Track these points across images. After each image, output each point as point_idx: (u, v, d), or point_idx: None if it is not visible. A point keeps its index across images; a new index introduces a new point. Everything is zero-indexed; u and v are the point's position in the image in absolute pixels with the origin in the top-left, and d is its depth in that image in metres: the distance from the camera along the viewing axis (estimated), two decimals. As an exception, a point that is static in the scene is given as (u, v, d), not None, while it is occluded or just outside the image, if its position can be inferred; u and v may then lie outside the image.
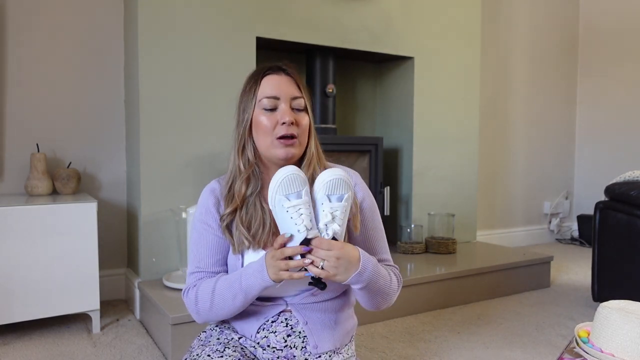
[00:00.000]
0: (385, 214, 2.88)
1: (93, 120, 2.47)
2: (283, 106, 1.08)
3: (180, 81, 2.27)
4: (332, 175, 0.98)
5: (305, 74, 2.83)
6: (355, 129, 3.18)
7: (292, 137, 1.07)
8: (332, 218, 0.96)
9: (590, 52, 4.22)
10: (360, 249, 0.99)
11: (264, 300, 1.11)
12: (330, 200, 0.97)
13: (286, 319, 1.11)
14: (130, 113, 2.42)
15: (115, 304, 2.43)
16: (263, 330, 1.10)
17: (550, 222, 4.19)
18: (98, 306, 2.04)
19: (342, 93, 3.03)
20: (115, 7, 2.49)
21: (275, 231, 1.11)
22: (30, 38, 2.33)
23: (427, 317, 2.31)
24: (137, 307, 2.25)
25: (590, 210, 3.97)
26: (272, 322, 1.10)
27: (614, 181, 2.43)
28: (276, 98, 1.08)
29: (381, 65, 3.21)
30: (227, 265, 1.14)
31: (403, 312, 2.32)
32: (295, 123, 1.08)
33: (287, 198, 0.96)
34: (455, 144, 3.19)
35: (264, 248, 1.11)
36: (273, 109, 1.08)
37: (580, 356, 1.17)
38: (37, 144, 2.30)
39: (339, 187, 0.98)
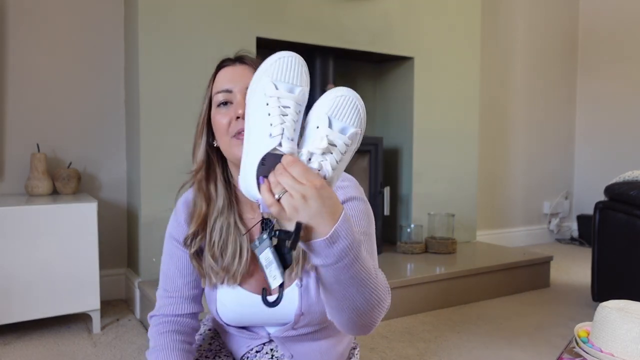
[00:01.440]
0: (385, 214, 2.88)
1: (93, 120, 2.47)
2: (238, 98, 0.92)
3: (181, 81, 2.27)
4: (344, 92, 0.71)
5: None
6: (355, 129, 3.18)
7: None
8: (326, 147, 0.67)
9: (590, 52, 4.22)
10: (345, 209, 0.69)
11: (243, 328, 1.03)
12: (331, 125, 0.69)
13: (272, 349, 1.03)
14: (130, 113, 2.42)
15: (115, 304, 2.44)
16: (247, 359, 1.03)
17: (550, 222, 4.19)
18: (98, 306, 2.04)
19: (342, 93, 3.03)
20: (116, 7, 2.49)
21: (255, 261, 0.93)
22: (31, 38, 2.33)
23: (427, 317, 2.31)
24: (138, 307, 2.25)
25: (590, 210, 3.97)
26: (257, 351, 1.02)
27: (613, 181, 2.43)
28: (229, 91, 0.94)
29: (381, 65, 3.21)
30: (200, 288, 1.02)
31: (403, 312, 2.32)
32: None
33: (274, 85, 0.70)
34: (455, 143, 3.19)
35: (241, 284, 0.97)
36: (227, 103, 0.94)
37: (580, 356, 1.17)
38: (37, 144, 2.30)
39: (349, 110, 0.70)
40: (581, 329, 1.25)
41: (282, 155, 0.66)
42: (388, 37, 2.85)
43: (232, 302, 0.97)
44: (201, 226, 0.96)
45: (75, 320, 2.19)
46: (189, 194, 1.02)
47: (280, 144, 0.66)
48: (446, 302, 2.46)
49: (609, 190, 2.38)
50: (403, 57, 3.00)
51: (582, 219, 4.09)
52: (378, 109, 3.26)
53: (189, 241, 0.96)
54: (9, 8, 2.28)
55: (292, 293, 0.94)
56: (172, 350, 0.95)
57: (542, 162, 4.14)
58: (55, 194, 2.29)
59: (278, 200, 0.63)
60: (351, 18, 2.71)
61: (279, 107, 0.69)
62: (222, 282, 0.95)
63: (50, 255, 1.93)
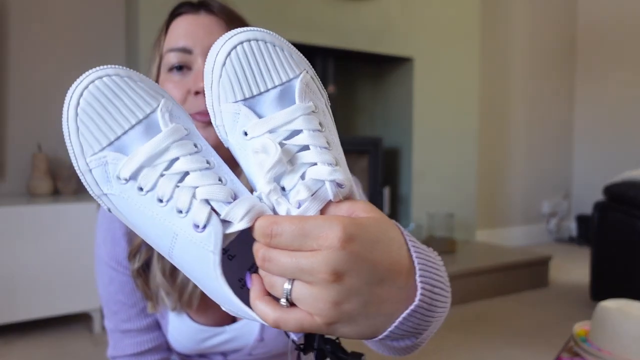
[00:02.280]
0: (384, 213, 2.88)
1: (94, 121, 2.47)
2: (199, 64, 0.67)
3: (181, 81, 2.27)
4: (228, 46, 0.40)
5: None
6: (355, 129, 3.19)
7: (208, 122, 0.65)
8: (279, 158, 0.36)
9: (589, 51, 4.23)
10: (400, 227, 0.41)
11: (199, 356, 0.85)
12: (257, 111, 0.39)
13: None
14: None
15: (116, 304, 2.44)
16: None
17: (548, 221, 4.20)
18: (99, 306, 2.05)
19: (342, 93, 3.04)
20: (116, 7, 2.49)
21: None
22: (32, 38, 2.33)
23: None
24: (138, 307, 2.26)
25: (589, 210, 3.98)
26: None
27: (613, 181, 2.44)
28: (187, 51, 0.68)
29: (381, 66, 3.22)
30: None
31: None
32: None
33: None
34: (455, 143, 3.20)
35: (193, 315, 0.77)
36: (182, 67, 0.68)
37: (579, 355, 1.18)
38: (38, 144, 2.30)
39: (262, 65, 0.40)
40: (580, 328, 1.26)
41: (240, 231, 0.36)
42: (388, 38, 2.86)
43: (185, 337, 0.79)
44: None
45: (76, 320, 2.20)
46: None
47: (209, 219, 0.36)
48: (446, 301, 2.46)
49: (608, 190, 2.38)
50: (403, 58, 3.01)
51: (581, 219, 4.09)
52: (378, 109, 3.26)
53: (135, 253, 0.73)
54: (11, 8, 2.28)
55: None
56: None
57: (541, 162, 4.15)
58: (56, 194, 2.29)
59: (287, 300, 0.35)
60: (351, 19, 2.72)
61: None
62: (174, 308, 0.74)
63: (51, 254, 1.94)
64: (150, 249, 0.75)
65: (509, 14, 3.84)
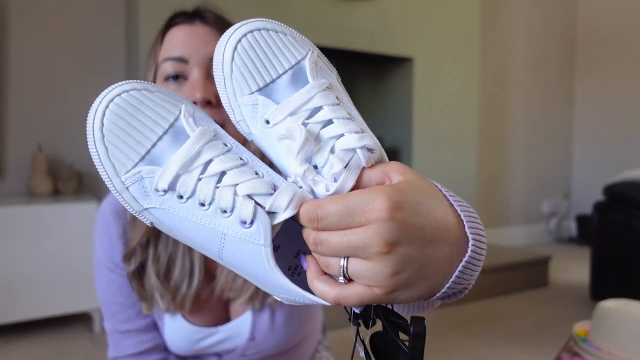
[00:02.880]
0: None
1: (94, 120, 2.47)
2: (194, 74, 0.68)
3: (181, 81, 2.27)
4: (237, 34, 0.41)
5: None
6: (355, 129, 3.19)
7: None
8: (305, 138, 0.37)
9: (588, 51, 4.23)
10: (437, 184, 0.40)
11: (194, 357, 0.86)
12: (273, 97, 0.40)
13: None
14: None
15: (116, 303, 2.44)
16: None
17: (548, 221, 4.20)
18: (99, 305, 2.05)
19: (342, 93, 3.04)
20: (117, 6, 2.50)
21: (207, 286, 0.76)
22: (32, 38, 2.33)
23: (427, 316, 2.31)
24: (138, 307, 2.26)
25: (588, 210, 3.98)
26: None
27: (612, 181, 2.44)
28: (182, 60, 0.69)
29: (381, 66, 3.22)
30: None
31: (403, 311, 2.32)
32: (215, 102, 0.68)
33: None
34: (455, 143, 3.20)
35: (186, 315, 0.77)
36: (178, 77, 0.69)
37: (578, 355, 1.18)
38: (38, 144, 2.30)
39: (270, 53, 0.41)
40: (579, 328, 1.26)
41: (288, 219, 0.37)
42: (387, 38, 2.86)
43: (180, 338, 0.80)
44: (146, 235, 0.73)
45: (76, 320, 2.20)
46: (115, 199, 0.71)
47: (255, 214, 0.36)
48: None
49: (608, 190, 2.38)
50: (402, 58, 3.01)
51: (581, 219, 4.10)
52: (378, 109, 3.26)
53: (131, 255, 0.74)
54: (11, 8, 2.29)
55: (245, 317, 0.80)
56: None
57: (541, 162, 4.15)
58: (56, 193, 2.29)
59: (345, 277, 0.35)
60: (351, 19, 2.72)
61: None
62: (168, 310, 0.75)
63: (51, 254, 1.94)
64: (145, 251, 0.75)
65: (509, 14, 3.85)
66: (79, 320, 2.19)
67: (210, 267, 0.80)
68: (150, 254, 0.74)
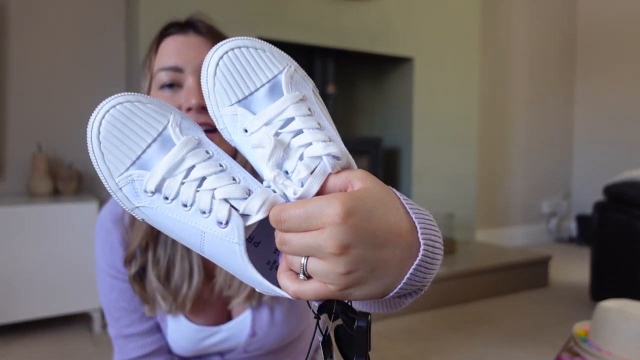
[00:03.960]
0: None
1: (94, 121, 2.47)
2: (189, 82, 0.71)
3: (181, 81, 2.27)
4: (220, 51, 0.45)
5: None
6: (355, 129, 3.19)
7: (206, 131, 0.62)
8: (274, 144, 0.40)
9: (588, 51, 4.23)
10: (395, 191, 0.42)
11: (197, 357, 0.88)
12: (251, 108, 0.44)
13: None
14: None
15: (116, 304, 2.44)
16: None
17: (548, 221, 4.20)
18: (99, 306, 2.05)
19: (342, 93, 3.04)
20: (117, 6, 2.50)
21: (207, 286, 0.78)
22: (32, 38, 2.33)
23: (426, 316, 2.32)
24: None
25: (588, 210, 3.99)
26: None
27: (613, 181, 2.44)
28: (177, 69, 0.72)
29: (381, 66, 3.22)
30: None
31: (403, 311, 2.32)
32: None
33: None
34: (455, 143, 3.20)
35: (188, 315, 0.79)
36: (173, 85, 0.72)
37: (579, 355, 1.18)
38: (38, 144, 2.30)
39: (249, 67, 0.45)
40: (580, 328, 1.26)
41: (260, 221, 0.41)
42: (388, 38, 2.86)
43: (183, 339, 0.81)
44: (145, 239, 0.75)
45: (76, 320, 2.20)
46: (114, 207, 0.80)
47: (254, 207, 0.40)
48: (446, 301, 2.47)
49: (608, 190, 2.38)
50: (403, 58, 3.01)
51: (581, 219, 4.10)
52: (378, 109, 3.26)
53: (131, 259, 0.76)
54: (11, 9, 2.29)
55: (245, 315, 0.82)
56: None
57: (541, 162, 4.15)
58: (56, 193, 2.29)
59: (304, 274, 0.39)
60: (351, 19, 2.72)
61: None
62: (169, 311, 0.77)
63: (51, 254, 1.94)
64: (144, 254, 0.77)
65: (509, 14, 3.85)
66: (79, 320, 2.19)
67: (208, 267, 0.81)
68: (150, 257, 0.76)
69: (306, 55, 2.82)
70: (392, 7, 2.86)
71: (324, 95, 2.76)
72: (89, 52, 2.45)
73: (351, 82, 3.14)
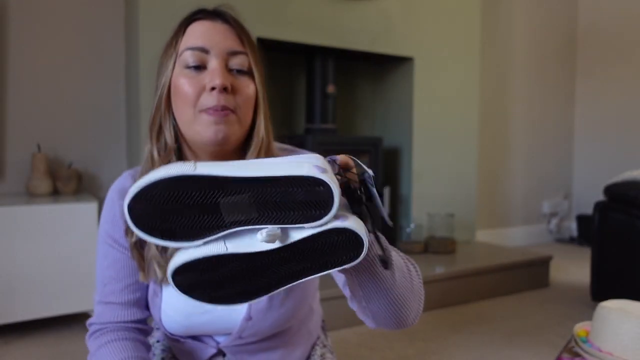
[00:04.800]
0: (385, 213, 2.88)
1: (94, 120, 2.47)
2: (214, 63, 0.74)
3: (181, 81, 2.27)
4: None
5: (306, 75, 2.83)
6: (355, 129, 3.19)
7: (224, 109, 0.73)
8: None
9: (589, 51, 4.23)
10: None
11: (190, 337, 0.90)
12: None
13: None
14: (131, 113, 2.43)
15: (115, 304, 2.44)
16: None
17: (549, 221, 4.20)
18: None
19: (342, 93, 3.04)
20: (116, 6, 2.49)
21: None
22: (32, 38, 2.33)
23: (426, 316, 2.32)
24: (138, 307, 2.26)
25: (589, 210, 3.98)
26: None
27: (613, 181, 2.43)
28: (204, 51, 0.75)
29: (381, 66, 3.21)
30: (142, 291, 0.85)
31: (403, 311, 2.32)
32: (231, 90, 0.74)
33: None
34: (455, 143, 3.20)
35: None
36: (199, 67, 0.75)
37: (579, 355, 1.17)
38: (38, 144, 2.30)
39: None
40: (580, 328, 1.26)
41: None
42: (388, 38, 2.86)
43: (176, 312, 0.83)
44: None
45: (76, 320, 2.20)
46: (124, 181, 0.86)
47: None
48: (446, 301, 2.46)
49: (609, 190, 2.38)
50: (403, 58, 3.01)
51: (581, 219, 4.09)
52: (378, 109, 3.26)
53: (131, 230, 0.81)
54: (11, 8, 2.28)
55: None
56: (115, 343, 0.82)
57: (542, 162, 4.15)
58: (56, 193, 2.29)
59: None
60: (351, 18, 2.71)
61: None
62: (162, 279, 0.79)
63: (51, 254, 1.94)
64: None
65: (509, 14, 3.84)
66: (79, 320, 2.19)
67: None
68: None
69: (306, 55, 2.81)
70: (392, 7, 2.86)
71: (324, 95, 2.76)
72: (88, 52, 2.45)
73: (351, 82, 3.14)
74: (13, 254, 1.88)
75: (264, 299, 0.81)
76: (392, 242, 3.04)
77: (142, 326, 0.88)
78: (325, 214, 0.49)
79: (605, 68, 4.12)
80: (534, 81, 4.03)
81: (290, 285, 0.53)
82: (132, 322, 0.85)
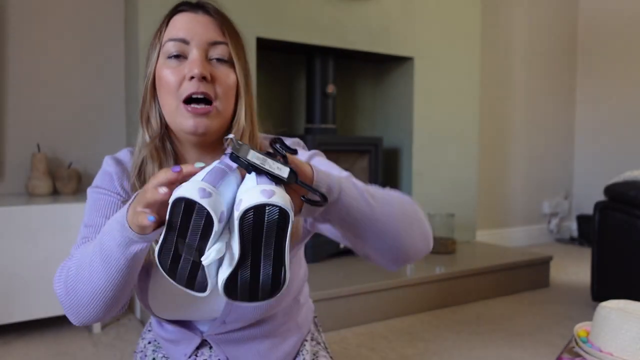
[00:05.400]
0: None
1: (94, 120, 2.47)
2: (194, 54, 0.77)
3: (181, 81, 2.27)
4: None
5: (306, 74, 2.83)
6: (355, 129, 3.19)
7: (205, 100, 0.76)
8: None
9: (589, 52, 4.23)
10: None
11: (172, 322, 0.90)
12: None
13: (210, 355, 0.90)
14: (130, 112, 2.42)
15: (115, 304, 2.44)
16: None
17: (549, 221, 4.19)
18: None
19: (342, 93, 3.04)
20: (116, 6, 2.49)
21: None
22: (31, 38, 2.33)
23: (427, 316, 2.31)
24: (138, 307, 2.26)
25: (589, 210, 3.98)
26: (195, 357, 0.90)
27: (613, 181, 2.43)
28: (184, 41, 0.77)
29: (381, 66, 3.21)
30: None
31: (403, 311, 2.32)
32: (211, 79, 0.76)
33: None
34: (455, 143, 3.19)
35: None
36: (179, 56, 0.78)
37: (580, 356, 1.17)
38: (37, 144, 2.30)
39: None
40: (581, 328, 1.26)
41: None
42: (388, 38, 2.85)
43: (164, 293, 0.83)
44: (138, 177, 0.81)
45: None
46: (122, 154, 0.88)
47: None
48: (446, 301, 2.46)
49: (609, 190, 2.38)
50: (403, 57, 3.00)
51: (581, 219, 4.09)
52: (378, 109, 3.26)
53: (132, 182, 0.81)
54: (10, 8, 2.28)
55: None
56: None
57: (542, 162, 4.15)
58: (55, 194, 2.29)
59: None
60: (351, 18, 2.71)
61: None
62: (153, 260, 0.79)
63: (50, 254, 1.93)
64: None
65: (509, 14, 3.84)
66: (79, 321, 2.19)
67: None
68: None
69: (306, 55, 2.81)
70: (392, 7, 2.86)
71: (324, 95, 2.76)
72: (88, 52, 2.44)
73: (351, 82, 3.13)
74: (13, 253, 1.87)
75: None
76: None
77: None
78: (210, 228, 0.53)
79: (605, 68, 4.12)
80: (534, 81, 4.03)
81: (283, 258, 0.54)
82: None
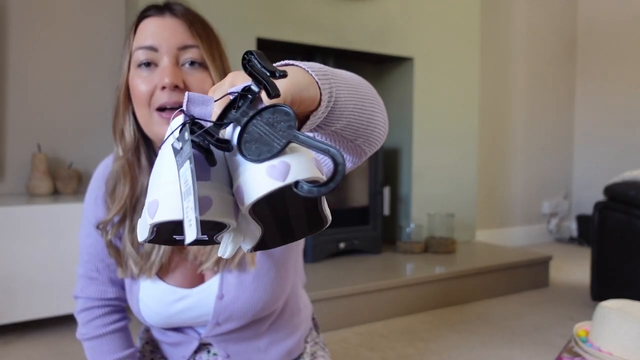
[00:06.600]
0: (385, 214, 2.88)
1: (94, 120, 2.47)
2: (164, 61, 0.74)
3: (181, 81, 2.27)
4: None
5: (305, 74, 2.83)
6: (355, 129, 3.19)
7: (178, 108, 0.64)
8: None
9: (589, 52, 4.23)
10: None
11: (172, 330, 0.91)
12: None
13: (208, 352, 0.91)
14: (130, 113, 2.43)
15: (115, 304, 2.44)
16: None
17: (549, 221, 4.20)
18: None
19: (342, 93, 3.03)
20: (116, 7, 2.49)
21: (177, 251, 0.82)
22: (32, 38, 2.33)
23: (426, 316, 2.32)
24: (138, 307, 2.26)
25: (589, 210, 3.98)
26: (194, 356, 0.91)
27: (613, 181, 2.44)
28: (153, 49, 0.74)
29: (381, 66, 3.21)
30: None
31: (403, 311, 2.32)
32: (184, 86, 0.73)
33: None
34: (455, 143, 3.20)
35: (163, 277, 0.84)
36: (150, 64, 0.75)
37: (579, 355, 1.17)
38: (38, 144, 2.30)
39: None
40: (580, 328, 1.26)
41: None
42: (387, 38, 2.86)
43: (154, 300, 0.85)
44: (121, 211, 0.80)
45: (76, 320, 2.20)
46: (108, 161, 0.88)
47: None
48: (446, 301, 2.46)
49: (609, 190, 2.38)
50: (403, 58, 3.01)
51: (581, 219, 4.09)
52: (378, 109, 3.26)
53: (107, 225, 0.80)
54: (11, 8, 2.28)
55: (214, 278, 0.84)
56: (106, 337, 0.92)
57: (542, 162, 4.15)
58: (56, 194, 2.29)
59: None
60: (351, 18, 2.71)
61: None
62: (140, 272, 0.81)
63: (51, 254, 1.93)
64: (122, 223, 0.81)
65: (509, 14, 3.84)
66: (79, 321, 2.19)
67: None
68: (127, 225, 0.81)
69: (306, 55, 2.81)
70: (392, 7, 2.86)
71: (324, 95, 2.75)
72: (88, 52, 2.45)
73: (351, 82, 3.13)
74: (13, 254, 1.87)
75: (233, 274, 0.83)
76: (392, 242, 3.04)
77: (125, 303, 0.94)
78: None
79: (605, 68, 4.12)
80: (534, 81, 4.03)
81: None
82: (115, 299, 0.93)
